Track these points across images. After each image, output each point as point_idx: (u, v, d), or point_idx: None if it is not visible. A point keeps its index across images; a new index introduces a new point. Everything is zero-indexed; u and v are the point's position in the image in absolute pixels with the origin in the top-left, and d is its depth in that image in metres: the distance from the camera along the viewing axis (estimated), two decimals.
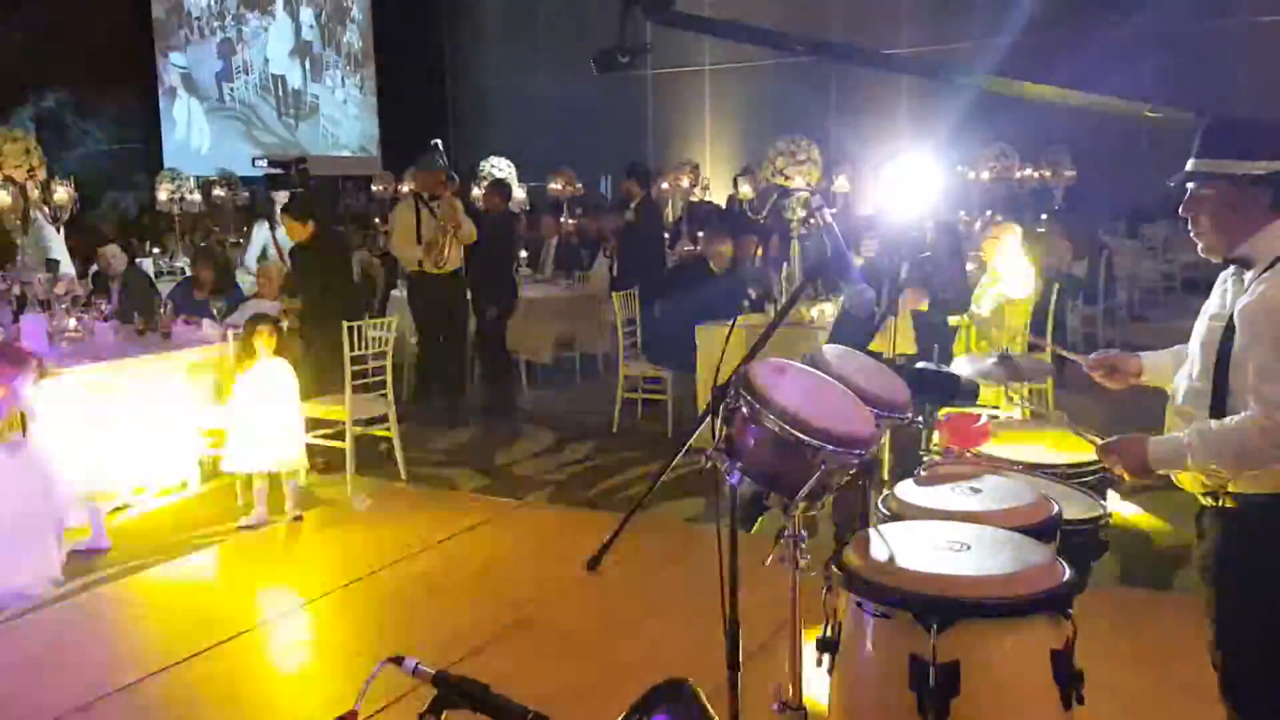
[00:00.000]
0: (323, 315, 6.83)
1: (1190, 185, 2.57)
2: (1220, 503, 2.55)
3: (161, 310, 7.05)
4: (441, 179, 8.06)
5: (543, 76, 18.89)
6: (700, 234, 11.44)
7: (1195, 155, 2.54)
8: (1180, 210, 2.61)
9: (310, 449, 6.36)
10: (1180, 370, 2.70)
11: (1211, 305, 2.62)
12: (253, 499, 6.04)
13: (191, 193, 12.47)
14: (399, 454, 6.79)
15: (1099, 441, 2.75)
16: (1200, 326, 2.62)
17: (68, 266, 8.32)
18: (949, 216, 6.39)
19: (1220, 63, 14.25)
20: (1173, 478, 2.67)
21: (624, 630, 4.52)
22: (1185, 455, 2.48)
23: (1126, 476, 2.71)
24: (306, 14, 19.01)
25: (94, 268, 8.72)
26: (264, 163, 9.26)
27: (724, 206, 14.08)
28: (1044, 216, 11.51)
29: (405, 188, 13.47)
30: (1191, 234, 2.61)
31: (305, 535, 5.96)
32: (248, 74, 18.16)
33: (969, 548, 2.43)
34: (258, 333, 6.02)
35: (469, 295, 8.59)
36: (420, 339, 8.53)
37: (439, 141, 7.97)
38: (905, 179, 4.69)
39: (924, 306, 5.61)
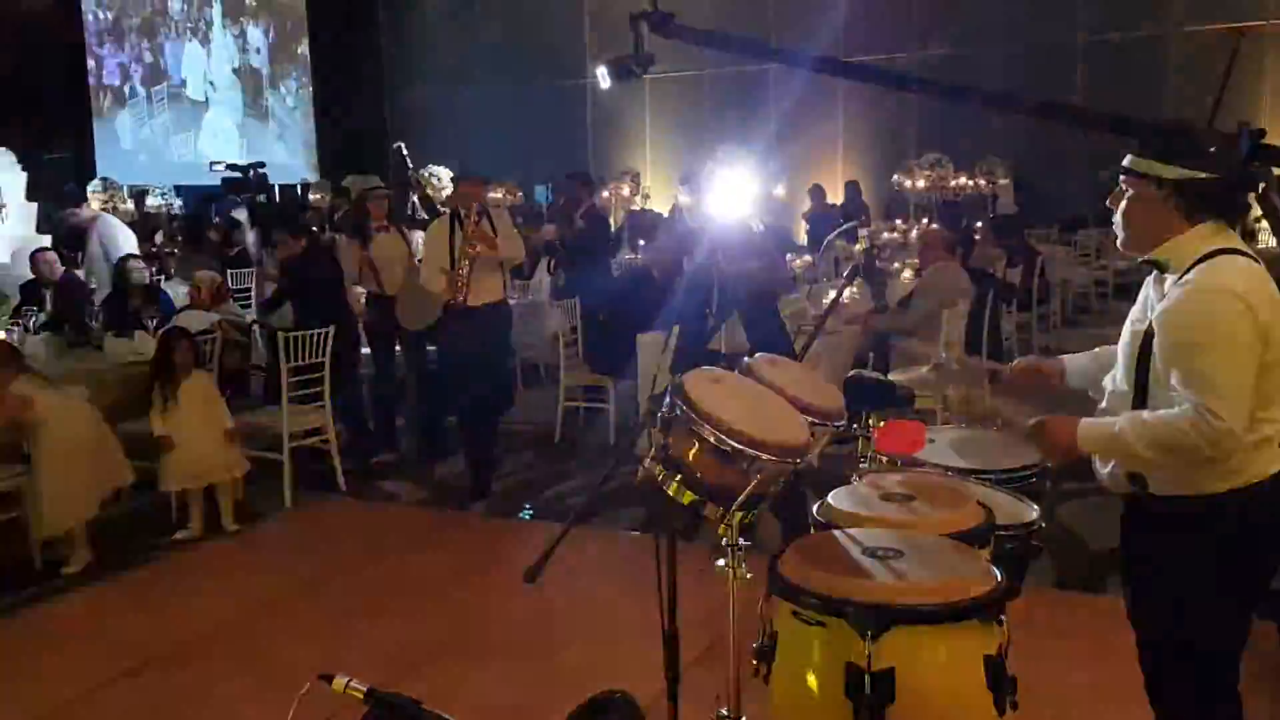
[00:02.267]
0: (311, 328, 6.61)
1: (1121, 179, 2.63)
2: (1141, 503, 2.61)
3: (93, 322, 6.92)
4: (478, 190, 6.61)
5: (481, 87, 18.84)
6: (641, 243, 11.49)
7: (1132, 151, 2.60)
8: (1108, 201, 2.68)
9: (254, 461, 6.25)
10: (1108, 374, 2.76)
11: (1135, 311, 2.69)
12: (188, 513, 5.93)
13: (125, 202, 12.28)
14: (337, 467, 6.71)
15: (1028, 423, 2.79)
16: (1125, 332, 2.69)
17: None
18: (768, 218, 6.59)
19: (1149, 70, 14.61)
20: (1096, 473, 2.72)
21: (563, 642, 4.49)
22: (1115, 439, 2.54)
23: (1053, 456, 2.74)
24: (254, 31, 18.78)
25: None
26: (220, 167, 9.05)
27: (666, 215, 14.12)
28: (979, 224, 11.69)
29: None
30: (1113, 225, 2.68)
31: (241, 550, 5.86)
32: (182, 83, 17.89)
33: (903, 555, 2.44)
34: (174, 349, 5.89)
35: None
36: (445, 379, 7.13)
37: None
38: (729, 185, 4.89)
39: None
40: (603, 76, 3.07)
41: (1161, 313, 2.49)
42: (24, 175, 10.55)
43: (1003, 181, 13.86)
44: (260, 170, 8.60)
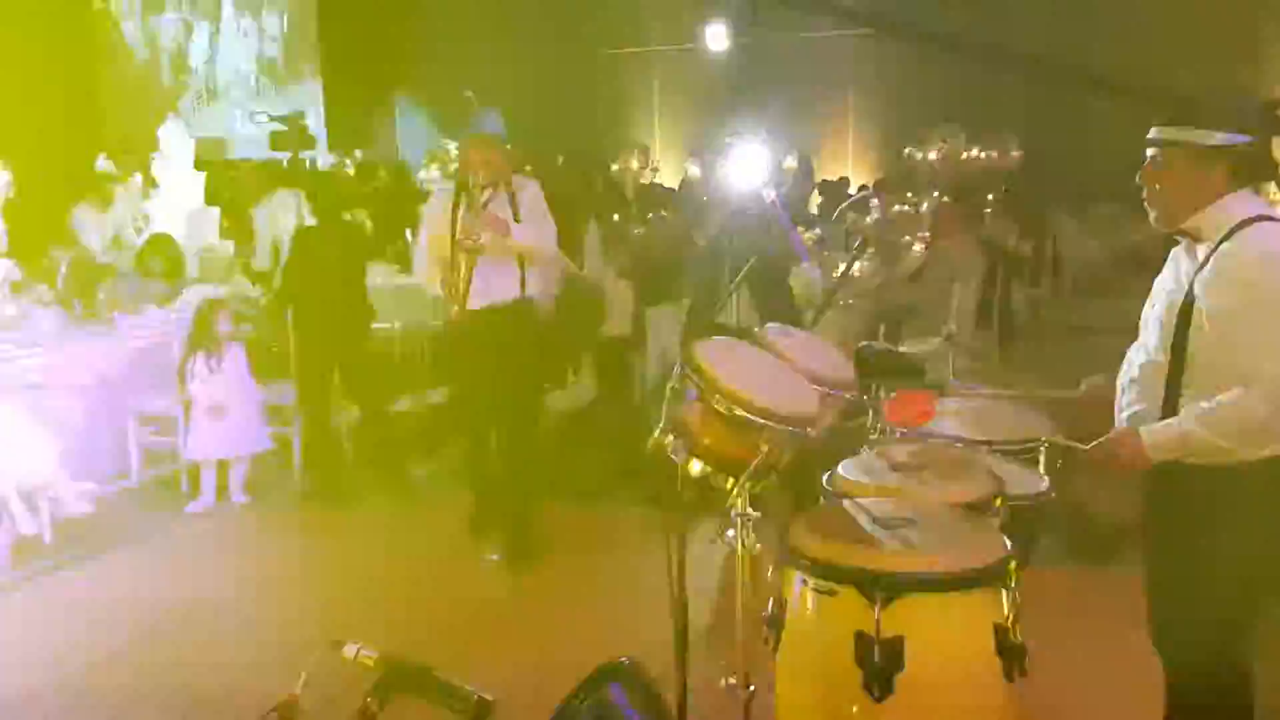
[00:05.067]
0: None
1: (1150, 152, 2.60)
2: (1172, 472, 2.57)
3: (104, 296, 6.93)
4: (492, 156, 4.90)
5: (490, 58, 18.76)
6: (651, 216, 11.44)
7: (1160, 122, 2.57)
8: (1138, 177, 2.65)
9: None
10: (1134, 345, 2.73)
11: (1166, 281, 2.65)
12: (200, 485, 5.96)
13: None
14: (347, 441, 6.73)
15: (1083, 447, 2.73)
16: (1157, 301, 2.65)
17: None
18: (781, 189, 6.31)
19: (1166, 38, 14.42)
20: None
21: (572, 615, 4.51)
22: (1186, 440, 2.47)
23: (1125, 474, 2.65)
24: (267, 16, 18.70)
25: None
26: (263, 119, 8.73)
27: (677, 189, 14.07)
28: (991, 197, 11.61)
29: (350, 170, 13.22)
30: (1145, 203, 2.64)
31: (252, 521, 5.89)
32: (193, 64, 17.86)
33: (913, 524, 2.45)
34: (215, 320, 5.92)
35: None
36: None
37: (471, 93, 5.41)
38: (741, 162, 4.87)
39: None
40: (716, 37, 3.04)
41: (1210, 281, 2.46)
42: (191, 142, 10.19)
43: (1015, 154, 13.74)
44: (301, 122, 8.25)
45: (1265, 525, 2.52)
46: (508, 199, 4.89)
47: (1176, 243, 2.65)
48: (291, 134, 7.74)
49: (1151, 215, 2.64)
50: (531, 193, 5.04)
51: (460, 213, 4.81)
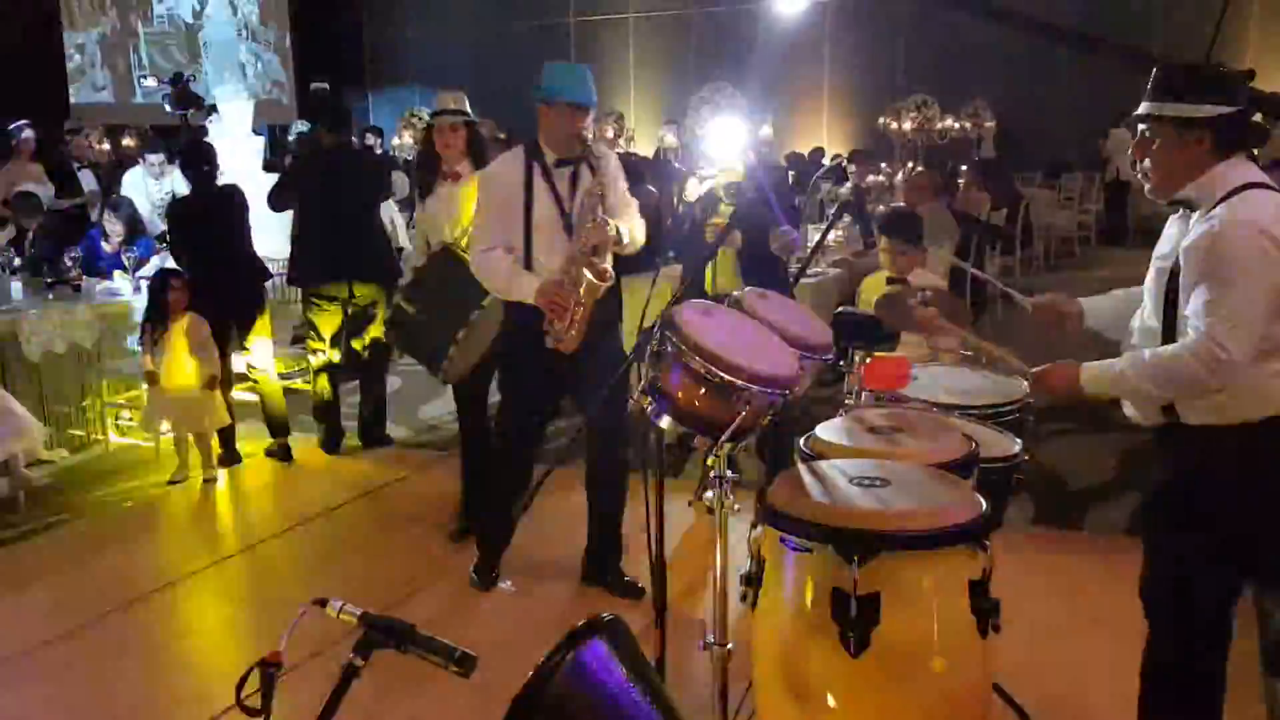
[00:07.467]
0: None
1: (1140, 128, 2.64)
2: (1172, 434, 2.61)
3: (70, 263, 6.86)
4: (581, 122, 3.95)
5: (462, 25, 18.59)
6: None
7: (1146, 99, 2.60)
8: (1130, 151, 2.69)
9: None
10: (1136, 312, 2.77)
11: (1161, 248, 2.69)
12: (175, 455, 5.92)
13: (101, 142, 12.13)
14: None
15: (1029, 371, 2.82)
16: (1151, 269, 2.69)
17: None
18: (770, 159, 6.19)
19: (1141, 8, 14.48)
20: (1124, 408, 2.74)
21: (551, 578, 4.53)
22: (1119, 379, 2.57)
23: (1056, 400, 2.76)
24: None
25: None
26: (153, 81, 8.50)
27: (650, 157, 14.05)
28: (964, 167, 11.67)
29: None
30: (1139, 175, 2.68)
31: (227, 489, 5.87)
32: (149, 16, 17.60)
33: (889, 483, 2.47)
34: (170, 288, 5.81)
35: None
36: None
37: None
38: (720, 128, 4.86)
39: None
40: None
41: (1187, 246, 2.49)
42: (251, 104, 9.83)
43: (988, 124, 13.79)
44: (186, 81, 8.03)
45: (1263, 486, 2.54)
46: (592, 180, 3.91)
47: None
48: (179, 95, 7.63)
49: (1146, 188, 2.67)
50: (614, 167, 4.06)
51: (544, 201, 3.95)
